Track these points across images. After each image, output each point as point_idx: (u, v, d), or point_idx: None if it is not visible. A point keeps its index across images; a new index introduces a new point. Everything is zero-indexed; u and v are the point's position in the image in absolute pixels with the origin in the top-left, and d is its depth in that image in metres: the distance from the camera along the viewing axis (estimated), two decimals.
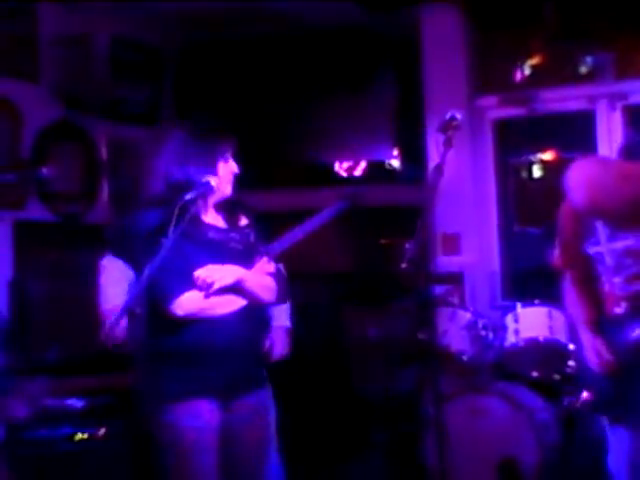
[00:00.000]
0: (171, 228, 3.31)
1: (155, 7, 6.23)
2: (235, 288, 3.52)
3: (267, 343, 4.36)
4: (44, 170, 5.76)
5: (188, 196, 3.41)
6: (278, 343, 4.47)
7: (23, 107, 5.79)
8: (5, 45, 5.69)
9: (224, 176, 3.57)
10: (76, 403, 4.99)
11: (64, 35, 6.04)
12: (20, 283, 5.54)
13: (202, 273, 3.43)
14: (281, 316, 4.51)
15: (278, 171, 6.86)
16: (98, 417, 4.89)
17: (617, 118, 5.92)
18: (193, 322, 3.46)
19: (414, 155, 6.37)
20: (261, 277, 3.60)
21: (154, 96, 6.87)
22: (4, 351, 5.41)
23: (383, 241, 5.21)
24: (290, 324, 4.56)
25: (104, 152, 6.46)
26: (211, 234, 3.58)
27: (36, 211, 5.84)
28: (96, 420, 4.86)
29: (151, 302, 3.50)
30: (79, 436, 4.83)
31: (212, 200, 3.60)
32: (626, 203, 3.25)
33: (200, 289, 3.44)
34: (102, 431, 4.84)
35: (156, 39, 6.79)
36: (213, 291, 3.44)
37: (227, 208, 3.67)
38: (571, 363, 4.89)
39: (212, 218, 3.63)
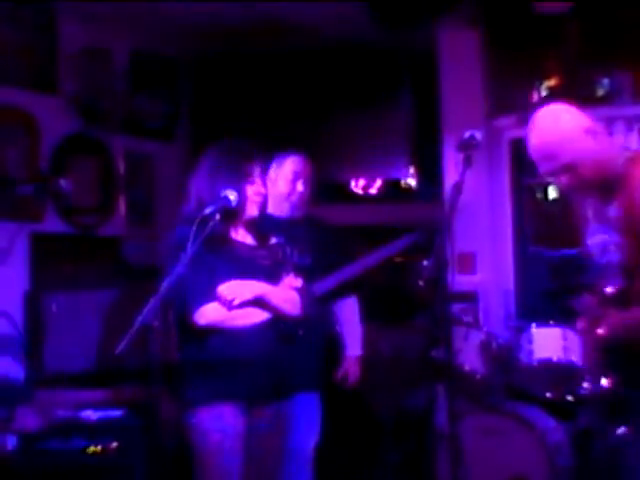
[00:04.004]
0: (189, 242, 3.36)
1: (172, 21, 6.26)
2: (257, 302, 3.56)
3: (341, 372, 4.69)
4: (61, 182, 5.79)
5: (207, 211, 3.47)
6: (351, 372, 4.70)
7: (41, 119, 5.83)
8: (25, 57, 5.74)
9: (250, 197, 3.64)
10: (90, 415, 5.00)
11: (83, 48, 6.09)
12: (36, 295, 5.56)
13: (224, 290, 3.50)
14: (355, 345, 4.72)
15: None
16: (112, 430, 4.90)
17: (634, 140, 5.91)
18: (217, 333, 3.53)
19: (430, 173, 6.39)
20: (285, 292, 3.65)
21: (171, 110, 6.91)
22: (19, 363, 5.43)
23: (398, 259, 5.24)
24: (362, 351, 4.75)
25: (121, 165, 6.50)
26: (238, 251, 3.67)
27: (53, 223, 5.87)
28: (110, 433, 4.87)
29: (177, 313, 3.61)
30: (92, 449, 4.84)
31: (241, 220, 3.67)
32: None
33: (223, 305, 3.50)
34: (115, 444, 4.85)
35: (174, 53, 6.83)
36: (234, 306, 3.50)
37: (257, 227, 3.75)
38: (585, 384, 4.88)
39: (241, 236, 3.72)
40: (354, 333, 4.72)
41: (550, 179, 3.62)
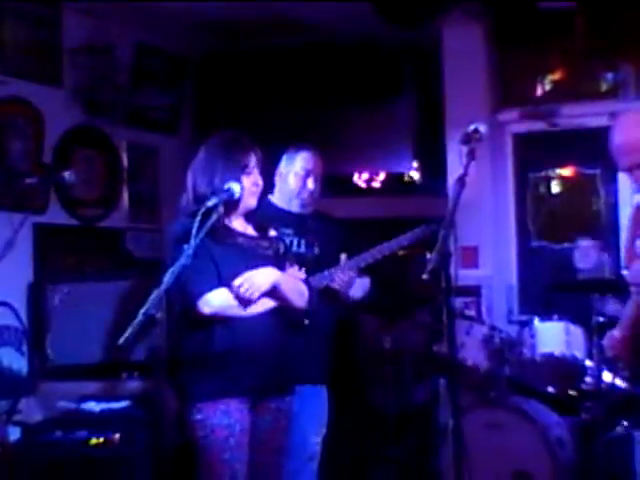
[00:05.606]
0: (193, 234, 3.36)
1: (177, 15, 6.26)
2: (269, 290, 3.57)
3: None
4: (65, 174, 5.79)
5: (210, 202, 3.47)
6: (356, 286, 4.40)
7: (46, 112, 5.83)
8: (30, 50, 5.74)
9: (248, 188, 3.62)
10: (93, 407, 5.02)
11: (88, 42, 6.08)
12: (39, 286, 5.57)
13: (242, 284, 3.49)
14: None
15: None
16: (114, 422, 4.91)
17: None
18: (221, 324, 3.51)
19: (434, 167, 6.39)
20: (295, 281, 3.65)
21: (175, 103, 6.91)
22: (23, 354, 5.44)
23: (401, 253, 5.21)
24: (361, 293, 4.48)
25: (125, 158, 6.50)
26: (240, 240, 3.65)
27: (57, 215, 5.88)
28: (112, 425, 4.88)
29: (181, 304, 3.59)
30: (94, 440, 4.85)
31: (239, 211, 3.67)
32: None
33: (242, 301, 3.50)
34: (117, 436, 4.85)
35: (178, 47, 6.83)
36: (254, 299, 3.51)
37: (257, 218, 3.75)
38: (587, 379, 4.88)
39: (241, 227, 3.70)
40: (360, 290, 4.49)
41: (630, 175, 3.76)
